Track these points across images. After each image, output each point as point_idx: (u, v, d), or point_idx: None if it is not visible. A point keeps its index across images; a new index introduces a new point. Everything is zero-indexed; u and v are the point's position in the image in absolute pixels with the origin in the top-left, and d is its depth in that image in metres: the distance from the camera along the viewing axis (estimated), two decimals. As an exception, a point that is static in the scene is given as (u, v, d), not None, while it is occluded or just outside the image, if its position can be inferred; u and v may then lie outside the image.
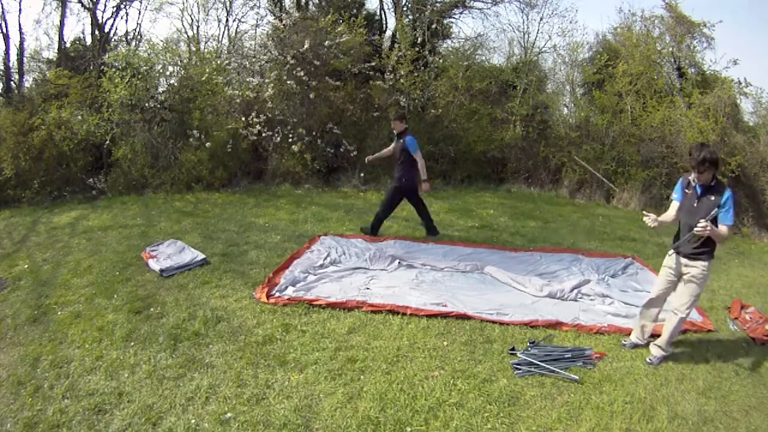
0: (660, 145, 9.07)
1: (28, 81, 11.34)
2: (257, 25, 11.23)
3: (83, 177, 8.32)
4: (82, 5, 10.89)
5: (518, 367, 3.18)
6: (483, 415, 2.75)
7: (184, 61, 9.92)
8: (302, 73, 8.38)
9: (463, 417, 2.72)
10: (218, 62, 9.17)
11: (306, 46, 8.29)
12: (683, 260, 3.26)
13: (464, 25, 26.36)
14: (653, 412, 2.86)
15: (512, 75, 10.57)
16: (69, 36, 12.50)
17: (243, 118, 8.59)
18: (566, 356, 3.31)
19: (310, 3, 11.20)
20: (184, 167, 8.07)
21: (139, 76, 8.13)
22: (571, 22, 13.05)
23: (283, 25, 8.83)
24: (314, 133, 8.75)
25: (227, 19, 11.94)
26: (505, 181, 9.87)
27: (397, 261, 4.97)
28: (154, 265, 4.62)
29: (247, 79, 8.92)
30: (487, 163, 10.00)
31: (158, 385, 2.93)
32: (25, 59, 11.03)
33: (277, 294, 4.12)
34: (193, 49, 11.39)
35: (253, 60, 9.01)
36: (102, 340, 3.42)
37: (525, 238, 6.20)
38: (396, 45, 10.01)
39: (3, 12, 10.60)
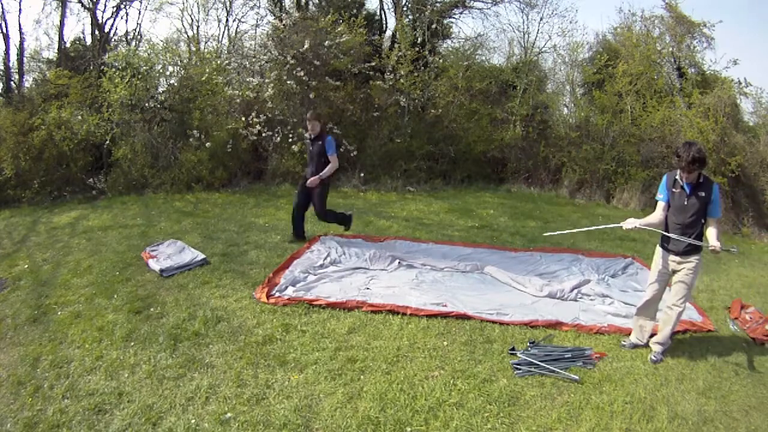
0: (660, 145, 9.07)
1: (28, 81, 11.34)
2: (257, 25, 11.23)
3: (83, 177, 8.32)
4: (82, 5, 10.89)
5: (518, 367, 3.18)
6: (483, 415, 2.75)
7: (184, 61, 9.93)
8: (302, 73, 8.38)
9: (463, 417, 2.72)
10: (218, 62, 9.18)
11: (306, 46, 8.29)
12: (676, 258, 3.27)
13: (464, 25, 26.40)
14: (653, 412, 2.86)
15: (512, 75, 10.57)
16: (69, 36, 12.50)
17: (243, 118, 8.59)
18: (566, 356, 3.31)
19: (310, 3, 11.20)
20: (184, 167, 8.07)
21: (139, 76, 8.14)
22: (571, 22, 13.03)
23: (283, 25, 8.83)
24: (314, 133, 8.74)
25: (227, 19, 11.94)
26: (505, 181, 9.88)
27: (397, 261, 4.97)
28: (154, 265, 4.62)
29: (247, 79, 8.93)
30: (487, 163, 10.01)
31: (158, 385, 2.93)
32: (25, 59, 11.03)
33: (277, 294, 4.12)
34: (193, 49, 11.39)
35: (253, 60, 9.02)
36: (102, 340, 3.42)
37: (525, 238, 6.20)
38: (396, 45, 10.01)
39: (3, 12, 10.61)
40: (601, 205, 8.75)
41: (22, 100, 9.36)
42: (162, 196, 7.70)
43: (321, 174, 5.21)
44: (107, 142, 8.28)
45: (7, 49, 10.70)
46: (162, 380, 2.97)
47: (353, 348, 3.37)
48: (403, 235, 5.93)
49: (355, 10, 10.25)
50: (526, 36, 11.06)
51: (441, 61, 10.34)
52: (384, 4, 11.69)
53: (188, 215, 6.59)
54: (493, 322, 3.80)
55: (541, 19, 10.82)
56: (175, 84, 8.88)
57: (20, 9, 11.93)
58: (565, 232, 4.22)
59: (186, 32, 12.19)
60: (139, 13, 16.50)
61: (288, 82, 8.43)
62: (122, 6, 11.31)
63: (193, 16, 14.47)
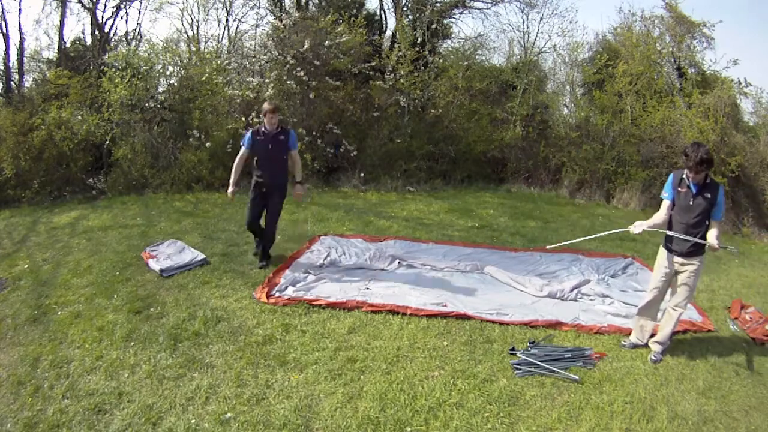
0: (660, 145, 9.07)
1: (28, 81, 11.34)
2: (257, 25, 11.21)
3: (83, 177, 8.32)
4: (82, 5, 10.89)
5: (518, 367, 3.18)
6: (483, 415, 2.75)
7: (184, 61, 9.93)
8: (302, 73, 8.38)
9: (463, 417, 2.72)
10: (218, 62, 9.17)
11: (306, 46, 8.28)
12: (679, 259, 3.27)
13: (464, 25, 26.34)
14: (653, 412, 2.86)
15: (512, 75, 10.57)
16: (69, 36, 12.48)
17: (243, 118, 8.58)
18: (566, 356, 3.31)
19: (310, 3, 11.20)
20: (184, 167, 8.07)
21: (139, 76, 8.14)
22: (571, 22, 13.00)
23: (283, 25, 8.83)
24: (314, 133, 8.74)
25: (227, 19, 11.94)
26: (505, 181, 9.87)
27: (397, 261, 4.97)
28: (154, 265, 4.62)
29: (247, 79, 8.92)
30: (487, 163, 10.00)
31: (158, 385, 2.93)
32: (25, 59, 11.03)
33: (277, 294, 4.12)
34: (193, 49, 11.39)
35: (253, 60, 9.01)
36: (102, 340, 3.42)
37: (525, 238, 6.20)
38: (396, 45, 10.01)
39: (3, 12, 10.60)
40: (601, 205, 8.75)
41: (22, 100, 9.36)
42: (162, 196, 7.70)
43: (301, 180, 4.74)
44: (107, 142, 8.28)
45: (7, 49, 10.71)
46: (162, 380, 2.97)
47: (353, 348, 3.37)
48: (403, 235, 5.93)
49: (355, 10, 10.25)
50: (526, 36, 11.06)
51: (441, 61, 10.33)
52: (384, 4, 11.69)
53: (188, 215, 6.59)
54: (493, 322, 3.80)
55: (541, 19, 10.82)
56: (175, 84, 8.88)
57: (20, 9, 11.92)
58: (569, 242, 4.21)
59: (186, 32, 12.20)
60: (139, 13, 16.45)
61: (288, 82, 8.43)
62: (122, 6, 11.32)
63: (193, 16, 14.44)
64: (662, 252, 3.40)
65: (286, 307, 3.92)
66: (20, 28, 11.99)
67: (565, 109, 10.96)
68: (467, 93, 10.06)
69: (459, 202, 7.98)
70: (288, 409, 2.73)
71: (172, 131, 8.40)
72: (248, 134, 4.51)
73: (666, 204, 3.34)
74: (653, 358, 3.40)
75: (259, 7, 11.53)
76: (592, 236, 4.25)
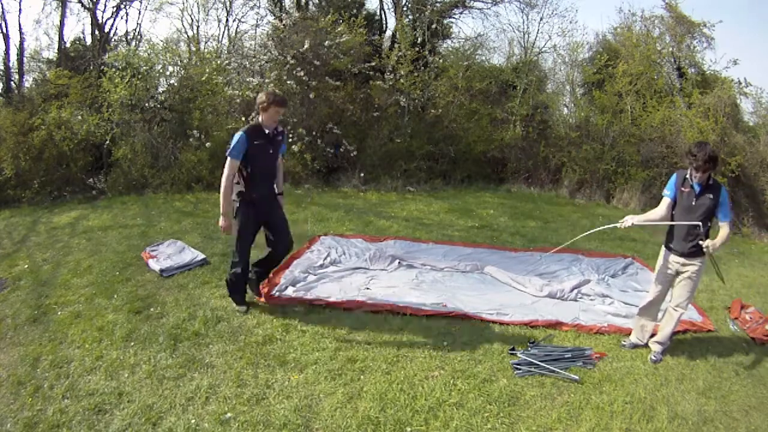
0: (660, 145, 9.07)
1: (28, 81, 11.35)
2: (257, 25, 11.23)
3: (83, 177, 8.32)
4: (82, 5, 10.90)
5: (518, 367, 3.18)
6: (483, 415, 2.75)
7: (184, 61, 9.94)
8: (302, 73, 8.38)
9: (463, 417, 2.72)
10: (218, 62, 9.18)
11: (306, 46, 8.29)
12: (681, 259, 3.27)
13: (464, 25, 26.37)
14: (653, 412, 2.86)
15: (512, 75, 10.57)
16: (69, 36, 12.50)
17: (243, 118, 8.59)
18: (566, 356, 3.31)
19: (310, 3, 11.20)
20: (184, 167, 8.07)
21: (139, 76, 8.14)
22: (571, 22, 13.02)
23: (283, 25, 8.83)
24: (314, 133, 8.75)
25: (227, 19, 11.96)
26: (505, 181, 9.87)
27: (397, 261, 4.96)
28: (154, 265, 4.62)
29: (247, 79, 8.92)
30: (487, 163, 10.01)
31: (158, 385, 2.92)
32: (25, 59, 11.04)
33: (277, 294, 4.12)
34: (193, 49, 11.40)
35: (253, 60, 9.01)
36: (102, 340, 3.42)
37: (525, 238, 6.20)
38: (396, 45, 10.01)
39: (3, 12, 10.62)
40: (601, 205, 8.75)
41: (22, 100, 9.37)
42: (162, 196, 7.70)
43: (282, 192, 3.89)
44: (107, 142, 8.28)
45: (7, 49, 10.72)
46: (162, 380, 2.97)
47: (353, 348, 3.37)
48: (403, 235, 5.93)
49: (355, 10, 10.26)
50: (526, 36, 11.07)
51: (441, 61, 10.34)
52: (384, 4, 11.70)
53: (188, 215, 6.59)
54: (493, 322, 3.80)
55: (541, 19, 10.84)
56: (175, 84, 8.88)
57: (20, 9, 11.97)
58: (565, 244, 4.28)
59: (186, 32, 12.22)
60: (139, 13, 16.51)
61: (288, 82, 8.43)
62: (122, 6, 11.33)
63: (193, 16, 14.49)
64: (664, 252, 3.40)
65: (286, 307, 3.92)
66: (20, 28, 12.03)
67: (565, 109, 10.97)
68: (467, 93, 10.07)
69: (459, 202, 7.98)
70: (288, 409, 2.73)
71: (172, 131, 8.40)
72: (240, 137, 3.37)
73: (666, 201, 3.33)
74: (653, 358, 3.40)
75: (259, 7, 11.55)
76: (581, 235, 4.27)
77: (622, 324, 3.87)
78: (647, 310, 3.50)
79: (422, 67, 9.62)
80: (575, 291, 4.42)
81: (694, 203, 3.17)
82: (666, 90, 9.66)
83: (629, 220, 3.31)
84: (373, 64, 9.16)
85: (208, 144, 8.26)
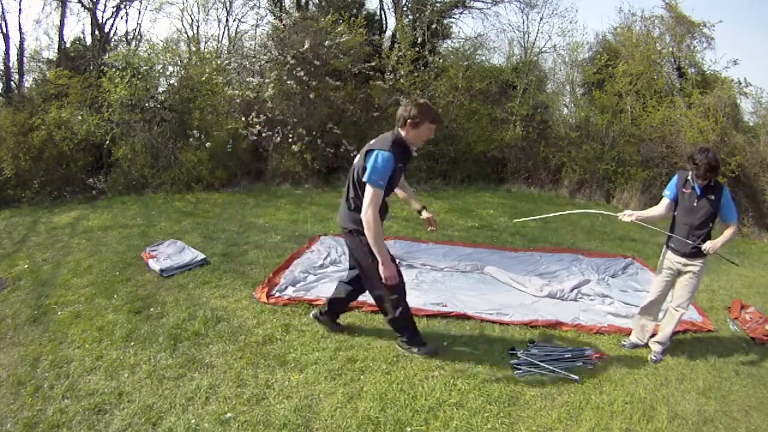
0: (660, 145, 9.07)
1: (28, 81, 11.35)
2: (257, 25, 11.24)
3: (83, 177, 8.32)
4: (82, 5, 10.90)
5: (518, 367, 3.18)
6: (483, 415, 2.75)
7: (184, 61, 9.93)
8: (302, 73, 8.38)
9: (463, 417, 2.72)
10: (218, 62, 9.17)
11: (306, 46, 8.29)
12: (682, 259, 3.27)
13: (464, 25, 26.33)
14: (653, 412, 2.86)
15: (512, 75, 10.57)
16: (69, 36, 12.51)
17: (243, 118, 8.59)
18: (566, 356, 3.31)
19: (310, 3, 11.21)
20: (184, 167, 8.07)
21: (139, 76, 8.13)
22: (571, 22, 13.07)
23: (283, 25, 8.83)
24: (314, 133, 8.75)
25: (227, 19, 11.96)
26: (505, 181, 9.88)
27: (397, 261, 4.95)
28: (154, 265, 4.62)
29: (247, 79, 8.92)
30: (487, 163, 10.01)
31: (158, 385, 2.92)
32: (25, 59, 11.04)
33: (277, 294, 4.12)
34: (193, 49, 11.40)
35: (253, 60, 9.01)
36: (102, 340, 3.42)
37: (525, 238, 6.20)
38: (396, 45, 10.02)
39: (3, 12, 10.62)
40: (601, 205, 8.75)
41: (22, 100, 9.37)
42: (162, 196, 7.70)
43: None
44: (107, 142, 8.27)
45: (7, 49, 10.72)
46: (162, 380, 2.97)
47: (353, 348, 3.36)
48: (403, 235, 5.93)
49: (355, 10, 10.26)
50: (526, 36, 11.07)
51: (441, 61, 10.34)
52: (384, 4, 11.71)
53: (188, 215, 6.59)
54: (493, 322, 3.80)
55: (541, 19, 10.85)
56: (175, 84, 8.88)
57: (20, 9, 11.99)
58: (537, 217, 4.22)
59: (186, 32, 12.22)
60: (139, 13, 16.55)
61: (288, 82, 8.43)
62: (122, 6, 11.33)
63: (193, 16, 14.50)
64: (665, 252, 3.40)
65: (286, 307, 3.92)
66: (20, 28, 12.05)
67: (565, 109, 10.97)
68: (467, 93, 10.06)
69: (459, 202, 7.98)
70: (288, 409, 2.73)
71: (172, 131, 8.40)
72: (387, 158, 2.66)
73: (665, 202, 3.34)
74: (653, 358, 3.40)
75: (259, 7, 11.57)
76: (559, 213, 4.31)
77: (622, 324, 3.87)
78: (648, 309, 3.50)
79: (422, 67, 9.62)
80: (575, 291, 4.42)
81: (695, 204, 3.17)
82: (666, 90, 9.67)
83: (630, 216, 3.31)
84: (373, 64, 9.16)
85: (208, 144, 8.26)
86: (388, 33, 11.73)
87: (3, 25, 10.60)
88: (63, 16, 10.74)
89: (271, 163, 8.83)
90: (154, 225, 6.11)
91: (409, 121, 2.75)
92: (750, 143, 8.64)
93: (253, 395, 2.84)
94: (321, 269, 4.70)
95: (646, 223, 3.38)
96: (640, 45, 9.75)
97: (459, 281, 4.62)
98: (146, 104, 8.21)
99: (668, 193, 3.33)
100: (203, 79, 8.72)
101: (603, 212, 4.16)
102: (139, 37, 11.87)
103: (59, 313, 3.84)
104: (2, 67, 10.75)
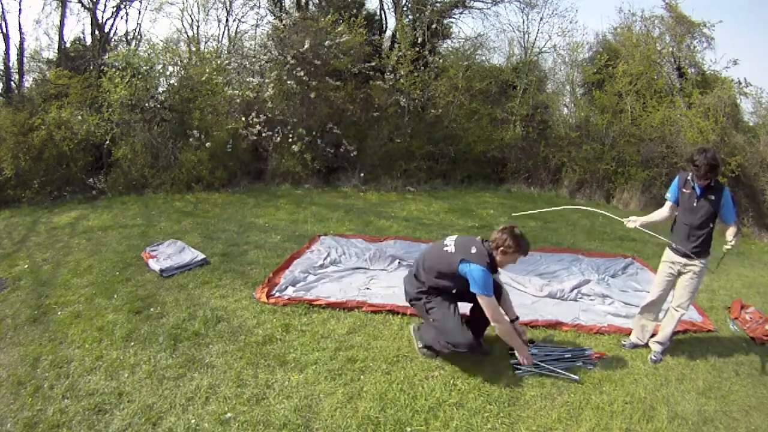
0: (660, 145, 9.07)
1: (28, 81, 11.33)
2: (257, 25, 11.24)
3: (83, 177, 8.32)
4: (82, 5, 10.89)
5: (518, 367, 3.18)
6: (483, 415, 2.75)
7: (184, 61, 9.93)
8: (302, 73, 8.39)
9: (463, 417, 2.72)
10: (218, 62, 9.18)
11: (306, 46, 8.29)
12: (683, 259, 3.27)
13: (464, 25, 26.32)
14: (653, 412, 2.86)
15: (512, 75, 10.57)
16: (69, 36, 12.49)
17: (243, 118, 8.59)
18: (566, 356, 3.31)
19: (310, 3, 11.20)
20: (184, 167, 8.07)
21: (139, 76, 8.13)
22: (571, 22, 13.00)
23: (283, 25, 8.83)
24: (314, 133, 8.75)
25: (227, 19, 11.94)
26: (505, 181, 9.88)
27: (397, 261, 4.96)
28: (154, 265, 4.62)
29: (247, 79, 8.93)
30: (487, 163, 10.01)
31: (158, 385, 2.92)
32: (25, 59, 11.02)
33: (277, 294, 4.12)
34: (193, 49, 11.39)
35: (253, 60, 9.02)
36: (102, 340, 3.42)
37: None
38: (396, 45, 10.01)
39: (3, 12, 10.60)
40: (601, 205, 8.74)
41: (22, 100, 9.36)
42: (162, 196, 7.70)
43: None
44: (107, 142, 8.28)
45: (7, 49, 10.70)
46: (162, 380, 2.97)
47: (353, 348, 3.36)
48: (403, 235, 5.93)
49: (355, 10, 10.25)
50: (526, 36, 11.07)
51: (441, 61, 10.34)
52: (384, 4, 11.70)
53: (188, 215, 6.59)
54: (493, 322, 3.80)
55: (541, 19, 10.83)
56: (175, 84, 8.87)
57: (20, 9, 11.91)
58: (535, 211, 4.25)
59: (186, 32, 12.20)
60: (139, 13, 16.50)
61: (288, 82, 8.43)
62: (122, 6, 11.31)
63: (193, 16, 14.47)
64: (666, 252, 3.40)
65: (286, 307, 3.91)
66: (20, 28, 12.02)
67: (565, 109, 10.97)
68: (467, 93, 10.07)
69: (459, 202, 7.98)
70: (288, 409, 2.73)
71: (172, 131, 8.40)
72: (485, 273, 2.98)
73: (668, 205, 3.36)
74: (653, 358, 3.40)
75: (259, 7, 11.54)
76: (558, 208, 4.33)
77: (622, 324, 3.87)
78: (648, 309, 3.50)
79: (422, 67, 9.62)
80: (575, 291, 4.42)
81: (695, 204, 3.18)
82: (666, 90, 9.67)
83: (634, 222, 3.35)
84: (373, 64, 9.17)
85: (208, 144, 8.27)
86: (388, 33, 11.73)
87: (3, 25, 10.60)
88: (63, 16, 10.73)
89: (271, 163, 8.84)
90: (154, 225, 6.12)
91: (501, 248, 3.01)
92: (750, 143, 8.64)
93: (253, 395, 2.84)
94: (321, 269, 4.70)
95: (649, 230, 3.37)
96: (640, 45, 9.75)
97: (459, 281, 4.61)
98: (146, 104, 8.21)
99: (670, 195, 3.34)
100: (203, 79, 8.72)
101: (603, 212, 4.16)
102: (139, 37, 11.86)
103: (59, 313, 3.84)
104: (2, 67, 10.74)
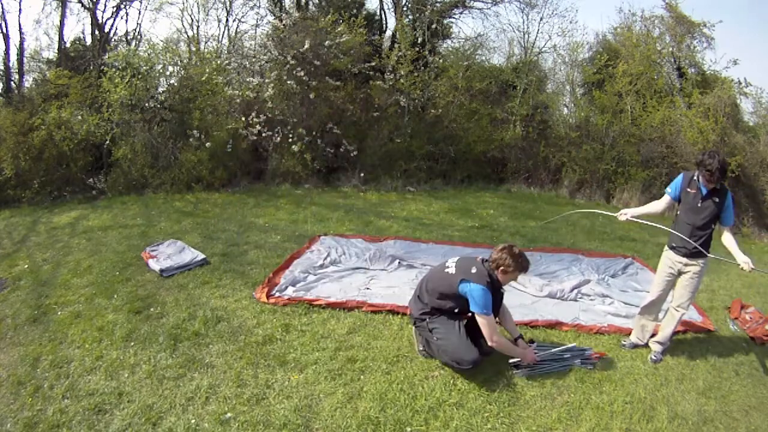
0: (660, 145, 9.08)
1: (28, 81, 11.32)
2: (257, 25, 11.23)
3: (83, 177, 8.32)
4: (82, 5, 10.89)
5: (518, 366, 3.18)
6: (483, 415, 2.75)
7: (184, 61, 9.92)
8: (302, 73, 8.38)
9: (463, 417, 2.72)
10: (218, 62, 9.17)
11: (306, 46, 8.29)
12: (684, 259, 3.27)
13: (464, 25, 26.29)
14: (653, 412, 2.86)
15: (512, 75, 10.57)
16: (69, 36, 12.48)
17: (243, 118, 8.59)
18: (566, 356, 3.31)
19: (310, 3, 11.20)
20: (184, 167, 8.07)
21: (139, 76, 8.13)
22: (571, 22, 12.98)
23: (283, 25, 8.83)
24: (314, 133, 8.75)
25: (227, 19, 11.93)
26: (505, 181, 9.88)
27: (397, 261, 4.96)
28: (154, 265, 4.62)
29: (247, 79, 8.93)
30: (487, 163, 10.01)
31: (158, 385, 2.92)
32: (25, 59, 11.02)
33: (277, 294, 4.12)
34: (193, 49, 11.38)
35: (253, 60, 9.02)
36: (102, 340, 3.42)
37: (525, 238, 6.20)
38: (396, 45, 10.01)
39: (3, 12, 10.59)
40: (601, 205, 8.75)
41: (22, 100, 9.35)
42: (162, 196, 7.70)
43: None
44: (107, 142, 8.27)
45: (7, 49, 10.69)
46: (162, 380, 2.97)
47: (353, 348, 3.37)
48: (403, 235, 5.93)
49: (355, 10, 10.25)
50: (526, 36, 11.06)
51: (441, 61, 10.34)
52: (384, 4, 11.69)
53: (188, 215, 6.59)
54: (493, 322, 3.80)
55: (541, 19, 10.83)
56: (175, 84, 8.87)
57: (20, 9, 11.87)
58: (556, 217, 4.33)
59: (186, 32, 12.19)
60: (139, 13, 16.47)
61: (288, 82, 8.43)
62: (122, 6, 11.31)
63: (193, 16, 14.45)
64: (667, 252, 3.40)
65: (286, 307, 3.91)
66: (20, 28, 12.00)
67: (565, 109, 10.97)
68: (467, 93, 10.07)
69: (459, 202, 7.98)
70: (288, 409, 2.73)
71: (172, 131, 8.40)
72: (486, 292, 3.02)
73: (666, 199, 3.36)
74: (653, 358, 3.40)
75: (259, 7, 11.54)
76: (569, 213, 4.35)
77: (622, 324, 3.87)
78: (648, 309, 3.50)
79: (422, 67, 9.62)
80: (575, 291, 4.42)
81: (699, 205, 3.18)
82: (666, 90, 9.67)
83: (625, 215, 3.39)
84: (373, 64, 9.16)
85: (208, 144, 8.27)
86: (388, 33, 11.72)
87: (3, 25, 10.59)
88: (63, 16, 10.72)
89: (271, 163, 8.84)
90: (154, 225, 6.12)
91: (502, 268, 3.10)
92: (750, 143, 8.64)
93: (253, 395, 2.85)
94: (321, 269, 4.70)
95: (641, 220, 3.39)
96: (640, 45, 9.75)
97: (459, 281, 4.61)
98: (146, 104, 8.21)
99: (670, 191, 3.35)
100: (203, 79, 8.72)
101: (603, 212, 4.17)
102: (139, 37, 11.85)
103: (59, 313, 3.84)
104: (2, 67, 10.74)
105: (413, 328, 3.40)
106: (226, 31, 11.97)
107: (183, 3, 14.50)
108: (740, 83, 9.14)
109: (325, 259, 4.92)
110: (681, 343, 3.68)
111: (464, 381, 3.03)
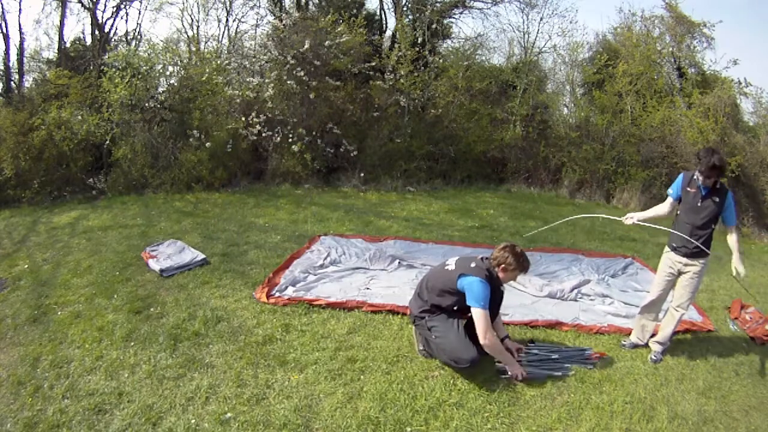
0: (660, 145, 9.08)
1: (28, 81, 11.33)
2: (257, 25, 11.24)
3: (83, 177, 8.32)
4: (82, 5, 10.89)
5: (503, 372, 3.16)
6: (483, 415, 2.75)
7: (184, 61, 9.92)
8: (302, 73, 8.39)
9: (463, 417, 2.72)
10: (218, 62, 9.18)
11: (306, 46, 8.29)
12: (684, 259, 3.27)
13: (464, 25, 26.29)
14: (653, 412, 2.86)
15: (512, 75, 10.58)
16: (69, 36, 12.48)
17: (243, 118, 8.59)
18: (566, 356, 3.31)
19: (310, 3, 11.20)
20: (184, 167, 8.07)
21: (139, 76, 8.13)
22: (571, 22, 13.02)
23: (283, 25, 8.83)
24: (314, 133, 8.75)
25: (227, 19, 11.93)
26: (505, 181, 9.88)
27: (397, 261, 4.96)
28: (154, 265, 4.62)
29: (247, 79, 8.93)
30: (487, 163, 10.01)
31: (158, 385, 2.92)
32: (25, 59, 11.02)
33: (277, 294, 4.12)
34: (193, 49, 11.38)
35: (253, 60, 9.02)
36: (102, 340, 3.42)
37: (525, 238, 6.19)
38: (396, 45, 10.01)
39: (3, 12, 10.59)
40: (601, 205, 8.75)
41: (22, 100, 9.35)
42: (162, 196, 7.70)
43: None
44: (107, 142, 8.28)
45: (7, 49, 10.69)
46: (162, 380, 2.97)
47: (353, 348, 3.36)
48: (403, 235, 5.93)
49: (355, 10, 10.25)
50: (526, 36, 11.07)
51: (441, 61, 10.34)
52: (384, 4, 11.70)
53: (188, 215, 6.59)
54: (493, 322, 3.79)
55: (541, 19, 10.84)
56: (175, 84, 8.88)
57: (20, 9, 11.89)
58: (543, 228, 4.32)
59: (186, 32, 12.19)
60: (139, 13, 16.51)
61: (288, 82, 8.43)
62: (122, 6, 11.31)
63: (193, 16, 14.45)
64: (667, 252, 3.40)
65: (286, 307, 3.91)
66: (20, 28, 12.02)
67: (565, 109, 10.98)
68: (467, 93, 10.07)
69: (459, 202, 7.98)
70: (288, 409, 2.73)
71: (172, 131, 8.40)
72: (485, 286, 3.00)
73: (668, 201, 3.37)
74: (653, 358, 3.40)
75: (259, 7, 11.54)
76: (564, 219, 4.35)
77: (622, 324, 3.87)
78: (648, 309, 3.50)
79: (422, 67, 9.62)
80: (575, 291, 4.41)
81: (699, 204, 3.18)
82: (666, 90, 9.67)
83: (631, 219, 3.38)
84: (373, 64, 9.17)
85: (208, 144, 8.26)
86: (388, 33, 11.73)
87: (3, 25, 10.59)
88: (63, 16, 10.72)
89: (271, 163, 8.83)
90: (154, 225, 6.12)
91: (503, 266, 3.09)
92: (750, 143, 8.65)
93: (253, 395, 2.84)
94: (321, 269, 4.70)
95: (648, 223, 3.39)
96: (640, 45, 9.76)
97: (459, 281, 4.61)
98: (146, 104, 8.21)
99: (672, 192, 3.35)
100: (203, 79, 8.72)
101: (606, 216, 4.13)
102: (139, 37, 11.85)
103: (59, 313, 3.84)
104: (2, 67, 10.74)
105: (413, 327, 3.40)
106: (226, 31, 11.97)
107: (183, 3, 14.52)
108: (740, 83, 9.15)
109: (325, 259, 4.92)
110: (681, 343, 3.68)
111: (464, 381, 3.03)
